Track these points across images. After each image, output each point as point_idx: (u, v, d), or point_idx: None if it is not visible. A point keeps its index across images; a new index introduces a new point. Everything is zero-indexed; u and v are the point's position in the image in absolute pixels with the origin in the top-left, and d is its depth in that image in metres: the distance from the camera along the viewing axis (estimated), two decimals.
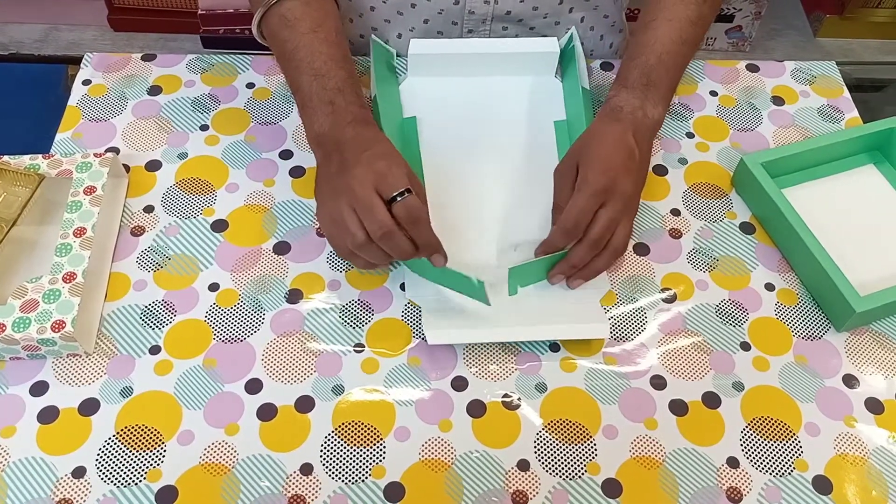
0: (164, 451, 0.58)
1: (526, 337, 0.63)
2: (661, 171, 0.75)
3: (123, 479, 0.56)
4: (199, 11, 1.46)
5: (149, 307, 0.65)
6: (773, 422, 0.60)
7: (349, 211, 0.59)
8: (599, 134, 0.65)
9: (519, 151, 0.75)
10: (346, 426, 0.59)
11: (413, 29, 0.81)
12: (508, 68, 0.79)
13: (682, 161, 0.76)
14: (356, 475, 0.57)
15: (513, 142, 0.76)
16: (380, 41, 0.81)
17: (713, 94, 0.82)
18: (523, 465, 0.58)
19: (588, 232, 0.62)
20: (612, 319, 0.65)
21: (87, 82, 0.79)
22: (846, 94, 0.83)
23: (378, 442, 0.59)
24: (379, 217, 0.58)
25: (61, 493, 0.55)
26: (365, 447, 0.58)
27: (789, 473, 0.58)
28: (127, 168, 0.73)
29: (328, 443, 0.58)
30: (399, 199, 0.58)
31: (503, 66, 0.79)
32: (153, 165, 0.73)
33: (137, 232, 0.69)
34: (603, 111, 0.69)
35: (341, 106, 0.64)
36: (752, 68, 0.85)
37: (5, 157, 0.68)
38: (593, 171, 0.62)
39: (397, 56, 0.82)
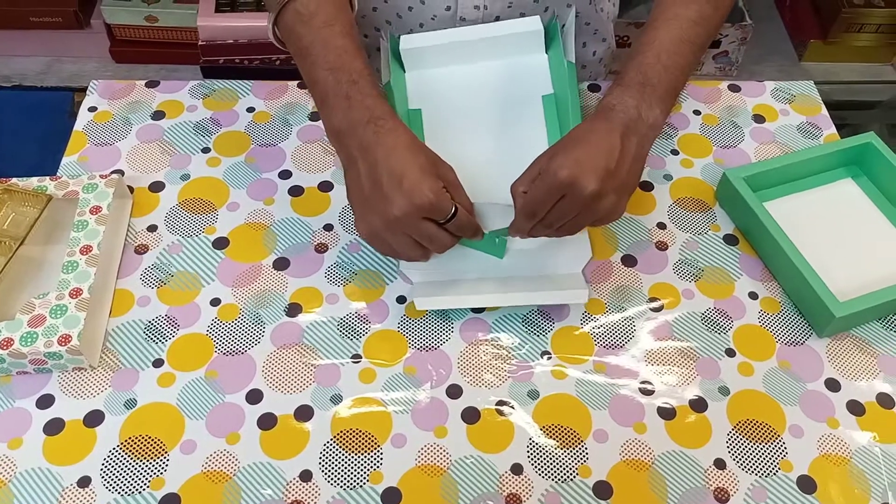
0: (167, 460, 0.59)
1: (509, 302, 0.67)
2: (647, 186, 0.78)
3: (127, 487, 0.58)
4: (200, 42, 1.49)
5: (152, 322, 0.67)
6: (758, 424, 0.62)
7: (402, 237, 0.62)
8: (583, 131, 0.64)
9: (512, 132, 0.77)
10: (344, 434, 0.61)
11: (411, 31, 0.84)
12: (499, 51, 0.81)
13: (668, 177, 0.79)
14: (354, 481, 0.59)
15: (506, 121, 0.77)
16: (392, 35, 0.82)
17: (696, 113, 0.85)
18: (517, 469, 0.60)
19: (545, 217, 0.63)
20: (602, 328, 0.68)
21: (92, 109, 0.82)
22: (824, 111, 0.86)
23: (375, 448, 0.60)
24: (442, 242, 0.63)
25: (67, 502, 0.57)
26: (362, 454, 0.60)
27: (774, 474, 0.60)
28: (131, 189, 0.75)
29: (327, 450, 0.60)
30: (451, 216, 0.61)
31: (494, 50, 0.80)
32: (156, 186, 0.76)
33: (141, 250, 0.71)
34: (596, 110, 0.68)
35: (357, 100, 0.64)
36: (734, 88, 0.88)
37: (14, 179, 0.71)
38: (558, 164, 0.61)
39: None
